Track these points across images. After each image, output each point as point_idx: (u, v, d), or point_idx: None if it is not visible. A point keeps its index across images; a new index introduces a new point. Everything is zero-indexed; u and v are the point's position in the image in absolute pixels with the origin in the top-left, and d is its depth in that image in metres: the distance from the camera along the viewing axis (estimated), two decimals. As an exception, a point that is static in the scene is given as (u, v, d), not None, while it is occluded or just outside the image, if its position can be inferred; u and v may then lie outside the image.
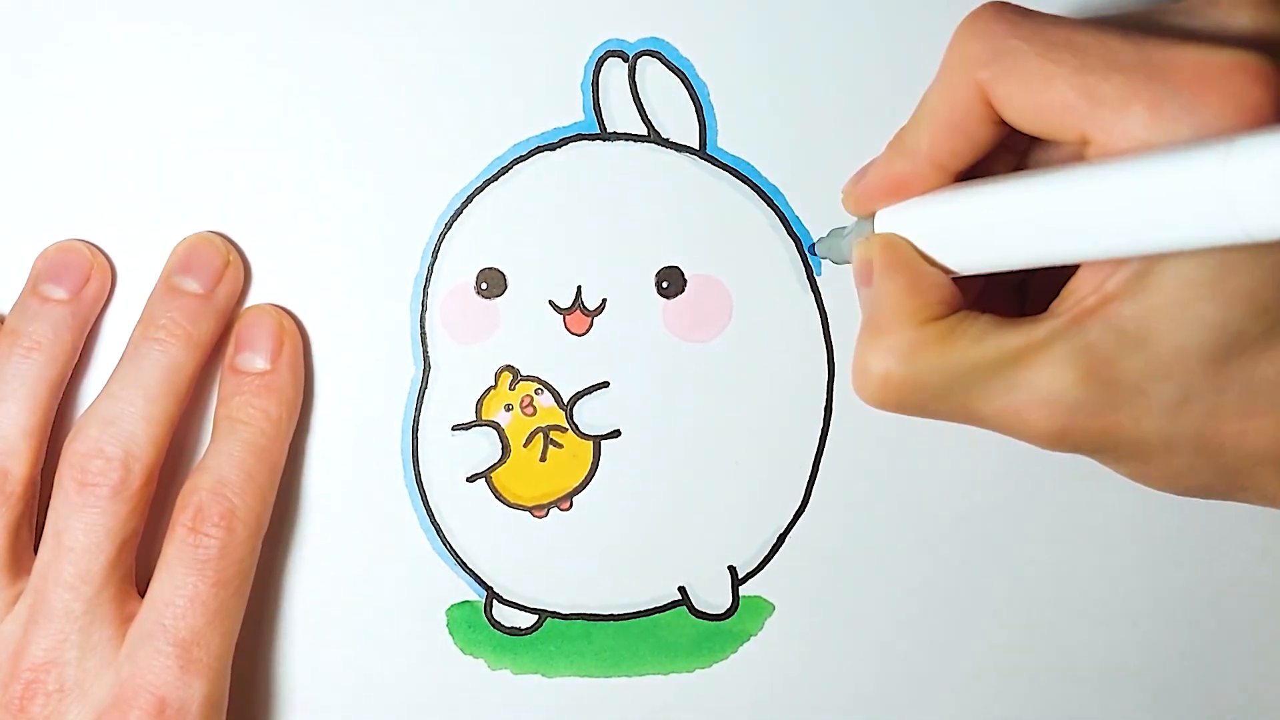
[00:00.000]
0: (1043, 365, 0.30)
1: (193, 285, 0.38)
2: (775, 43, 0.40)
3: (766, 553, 0.41)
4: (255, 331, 0.39)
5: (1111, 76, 0.29)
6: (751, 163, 0.40)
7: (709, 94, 0.40)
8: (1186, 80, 0.28)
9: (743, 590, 0.41)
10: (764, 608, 0.41)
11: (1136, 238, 0.28)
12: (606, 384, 0.40)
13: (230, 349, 0.39)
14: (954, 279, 0.33)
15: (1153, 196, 0.27)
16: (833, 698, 0.41)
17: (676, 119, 0.40)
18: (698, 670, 0.41)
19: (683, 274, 0.40)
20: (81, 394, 0.39)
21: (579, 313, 0.40)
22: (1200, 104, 0.28)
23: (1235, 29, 0.30)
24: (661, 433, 0.41)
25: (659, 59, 0.40)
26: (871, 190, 0.34)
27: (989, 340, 0.31)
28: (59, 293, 0.38)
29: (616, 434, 0.40)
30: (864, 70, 0.40)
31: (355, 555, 0.40)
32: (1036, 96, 0.30)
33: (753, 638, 0.41)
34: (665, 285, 0.40)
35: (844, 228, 0.38)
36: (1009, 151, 0.33)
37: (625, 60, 0.40)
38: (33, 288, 0.38)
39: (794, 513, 0.41)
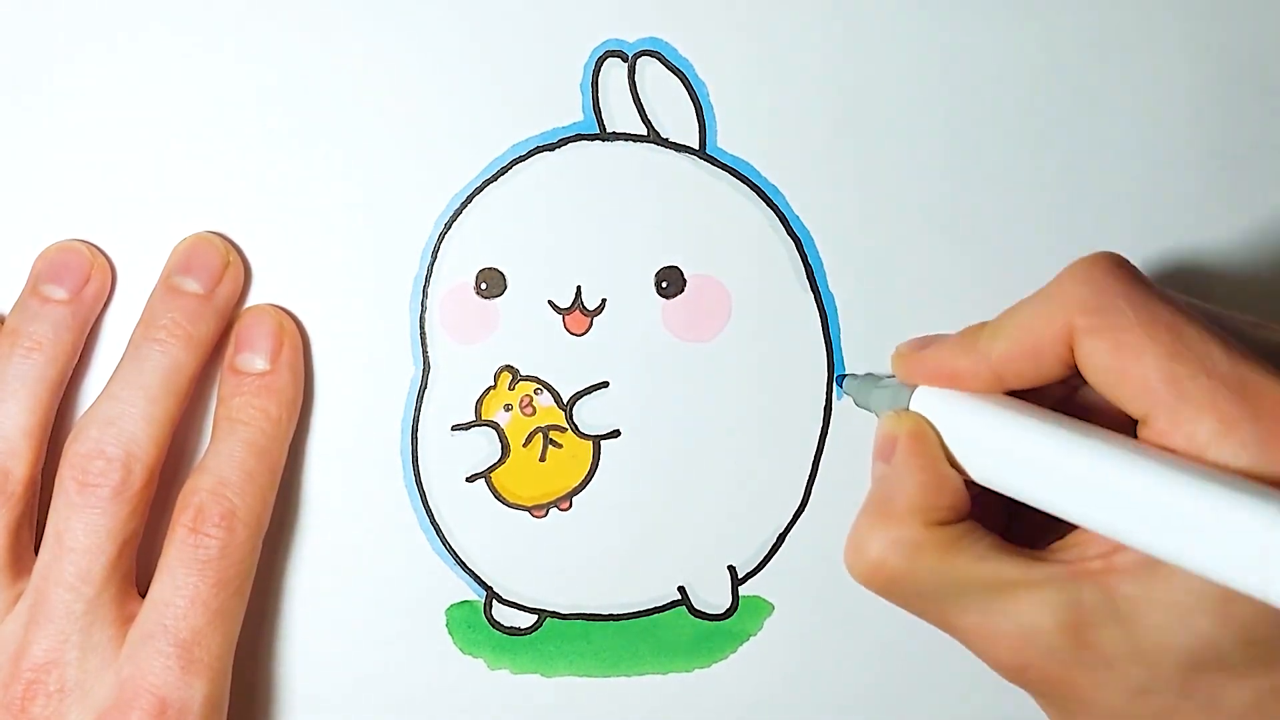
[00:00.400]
0: (1028, 603, 0.31)
1: (193, 285, 0.38)
2: (775, 43, 0.40)
3: (766, 553, 0.41)
4: (255, 332, 0.39)
5: (1199, 377, 0.29)
6: (751, 163, 0.40)
7: (709, 94, 0.40)
8: (1265, 413, 0.28)
9: (742, 590, 0.41)
10: (764, 608, 0.41)
11: (1165, 546, 0.29)
12: (606, 384, 0.40)
13: (230, 349, 0.39)
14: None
15: (1195, 523, 0.28)
16: (833, 698, 0.41)
17: (676, 119, 0.40)
18: (697, 670, 0.41)
19: (682, 274, 0.40)
20: (82, 394, 0.39)
21: (578, 313, 0.40)
22: (1269, 442, 0.28)
23: None
24: (661, 433, 0.41)
25: (658, 59, 0.40)
26: (926, 369, 0.34)
27: (988, 563, 0.31)
28: (59, 293, 0.38)
29: (616, 434, 0.40)
30: (864, 70, 0.40)
31: (355, 555, 0.40)
32: (1122, 364, 0.30)
33: (752, 638, 0.41)
34: (665, 285, 0.40)
35: (878, 377, 0.37)
36: (1063, 383, 0.33)
37: (625, 60, 0.40)
38: (33, 288, 0.38)
39: (794, 513, 0.41)
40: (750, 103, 0.40)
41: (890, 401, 0.35)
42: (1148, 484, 0.29)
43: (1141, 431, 0.30)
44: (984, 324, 0.33)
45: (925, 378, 0.34)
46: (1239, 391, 0.29)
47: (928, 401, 0.34)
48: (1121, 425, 0.31)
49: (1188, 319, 0.30)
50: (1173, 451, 0.29)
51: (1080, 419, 0.32)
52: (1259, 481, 0.28)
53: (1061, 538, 0.32)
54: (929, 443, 0.33)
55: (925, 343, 0.35)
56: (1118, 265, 0.31)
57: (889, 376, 0.36)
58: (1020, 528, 0.33)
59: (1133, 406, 0.30)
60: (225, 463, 0.38)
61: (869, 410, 0.36)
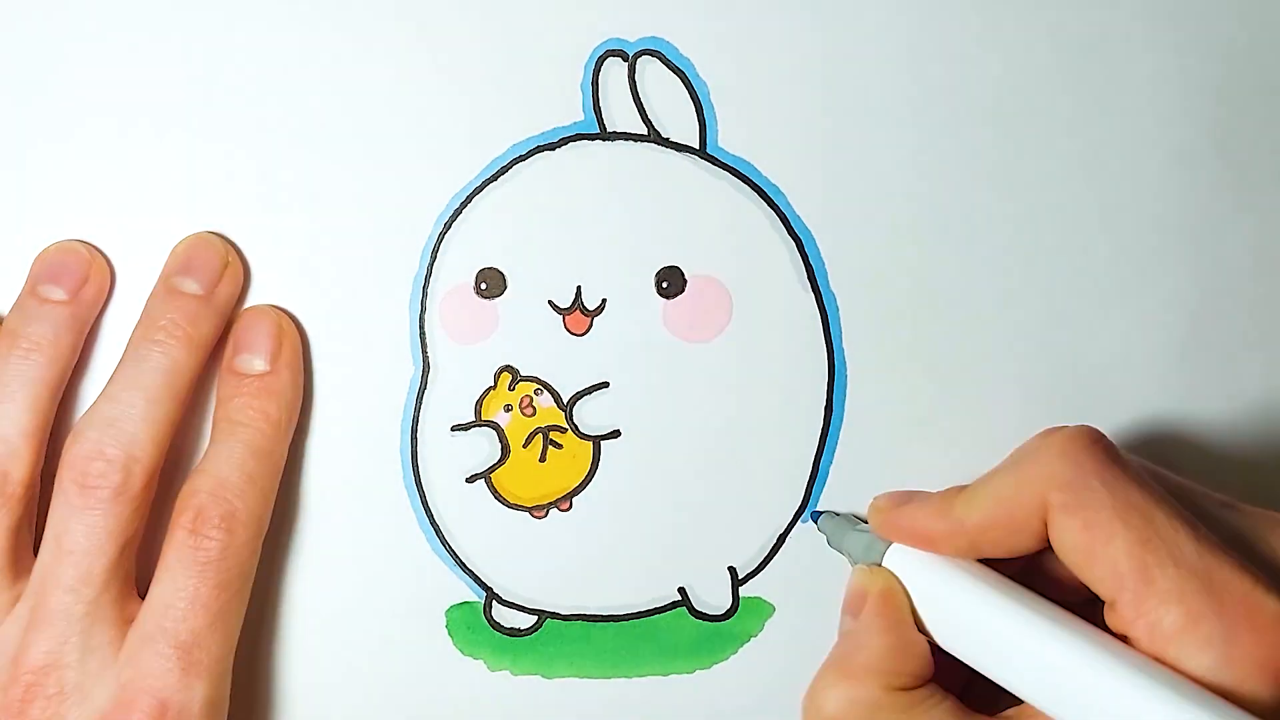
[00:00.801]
0: None
1: (192, 286, 0.38)
2: (776, 43, 0.40)
3: (766, 553, 0.41)
4: (254, 333, 0.39)
5: (1166, 566, 0.29)
6: (751, 163, 0.40)
7: (709, 94, 0.40)
8: (1229, 610, 0.29)
9: (743, 591, 0.41)
10: (764, 608, 0.41)
11: None
12: (606, 384, 0.40)
13: (229, 350, 0.39)
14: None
15: None
16: (832, 698, 0.41)
17: (676, 119, 0.40)
18: (698, 671, 0.41)
19: (683, 274, 0.40)
20: (81, 396, 0.39)
21: (578, 313, 0.40)
22: (1233, 639, 0.29)
23: None
24: (661, 433, 0.41)
25: (659, 59, 0.40)
26: (901, 529, 0.34)
27: None
28: (58, 294, 0.38)
29: (616, 434, 0.40)
30: (865, 70, 0.40)
31: (355, 556, 0.40)
32: (1093, 546, 0.30)
33: (753, 638, 0.41)
34: (665, 285, 0.40)
35: (854, 520, 0.38)
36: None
37: (625, 60, 0.40)
38: (32, 289, 0.38)
39: (794, 513, 0.41)
40: (750, 103, 0.40)
41: (864, 551, 0.36)
42: (1101, 681, 0.29)
43: (1106, 614, 0.30)
44: (961, 489, 0.34)
45: (900, 537, 0.35)
46: (1206, 584, 0.29)
47: (901, 561, 0.34)
48: (1087, 597, 0.32)
49: (1159, 504, 0.30)
50: (1133, 641, 0.30)
51: (1051, 583, 0.33)
52: (1218, 690, 0.28)
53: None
54: (897, 604, 0.34)
55: (904, 499, 0.35)
56: (1094, 442, 0.32)
57: (865, 522, 0.37)
58: (984, 683, 0.34)
59: (1101, 588, 0.30)
60: (225, 464, 0.37)
61: (841, 553, 0.37)
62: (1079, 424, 0.33)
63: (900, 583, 0.34)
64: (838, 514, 0.38)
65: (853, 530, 0.36)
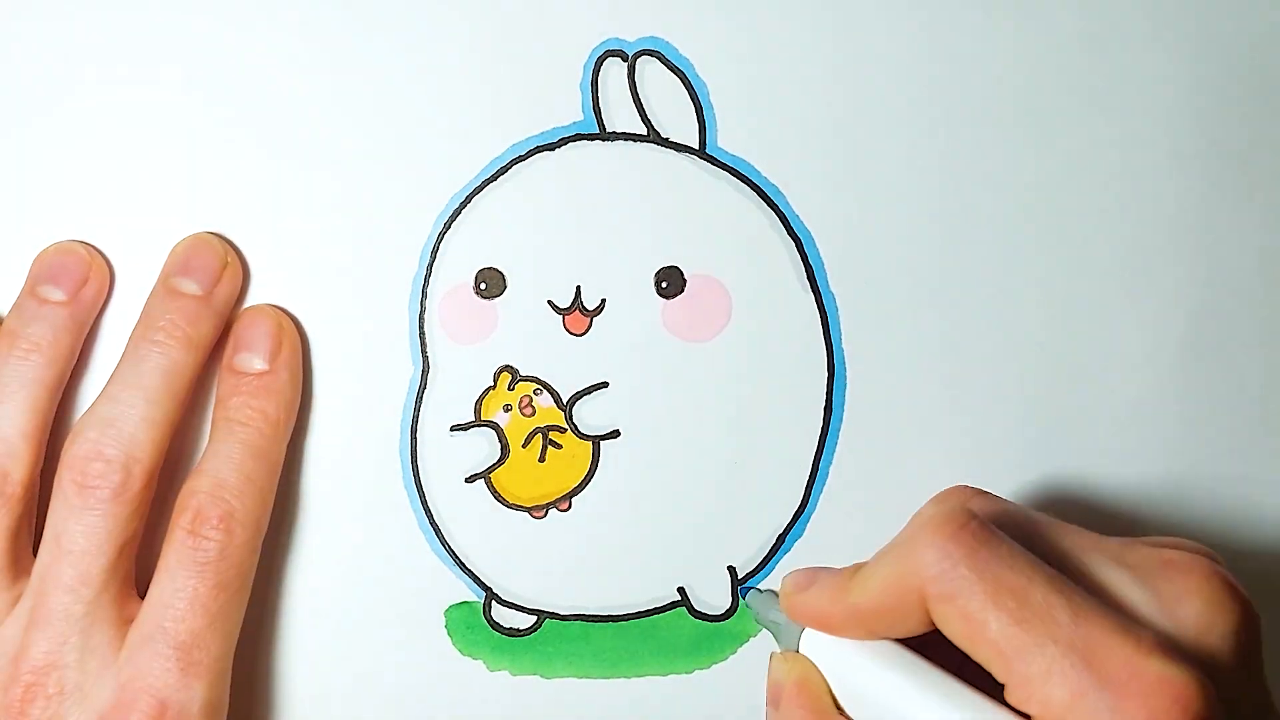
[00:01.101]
0: None
1: (191, 287, 0.38)
2: (775, 43, 0.40)
3: (766, 553, 0.41)
4: (253, 332, 0.39)
5: (1045, 647, 0.29)
6: (751, 163, 0.40)
7: (709, 94, 0.40)
8: (1112, 679, 0.28)
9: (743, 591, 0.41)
10: (763, 608, 0.41)
11: None
12: (605, 384, 0.40)
13: (229, 349, 0.39)
14: None
15: None
16: (832, 698, 0.41)
17: (676, 119, 0.40)
18: (697, 671, 0.41)
19: (682, 274, 0.40)
20: (80, 396, 0.39)
21: (578, 313, 0.40)
22: (1119, 709, 0.28)
23: (1179, 620, 0.30)
24: (661, 433, 0.41)
25: (658, 58, 0.40)
26: (806, 615, 0.34)
27: None
28: (57, 294, 0.38)
29: (615, 434, 0.40)
30: (864, 70, 0.40)
31: (354, 556, 0.40)
32: (972, 634, 0.30)
33: (752, 638, 0.41)
34: (665, 285, 0.40)
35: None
36: None
37: (624, 60, 0.40)
38: (31, 289, 0.38)
39: (794, 513, 0.41)
40: (750, 103, 0.40)
41: (784, 633, 0.35)
42: None
43: (1005, 693, 0.30)
44: (858, 569, 0.33)
45: (805, 622, 0.34)
46: (1085, 657, 0.29)
47: (815, 645, 0.34)
48: None
49: (1033, 581, 0.30)
50: (1034, 719, 0.30)
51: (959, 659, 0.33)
52: None
53: None
54: (813, 692, 0.33)
55: (808, 581, 0.34)
56: (961, 527, 0.31)
57: None
58: None
59: (991, 670, 0.30)
60: (223, 464, 0.37)
61: (767, 628, 0.37)
62: (953, 500, 0.32)
63: (815, 667, 0.34)
64: (763, 591, 0.37)
65: (775, 608, 0.36)
